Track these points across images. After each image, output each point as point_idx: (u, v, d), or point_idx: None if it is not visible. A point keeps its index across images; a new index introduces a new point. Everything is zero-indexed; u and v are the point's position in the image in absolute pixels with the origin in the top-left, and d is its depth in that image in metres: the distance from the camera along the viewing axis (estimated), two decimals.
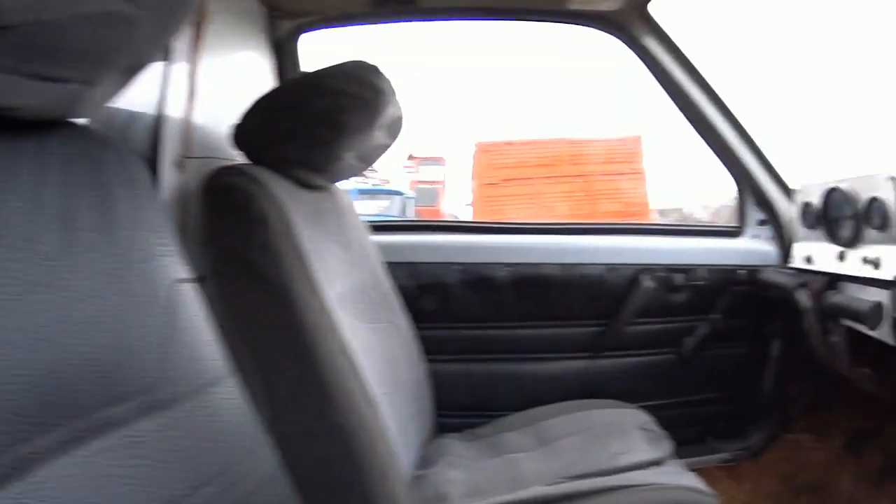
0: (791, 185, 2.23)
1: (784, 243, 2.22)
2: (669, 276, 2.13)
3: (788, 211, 2.20)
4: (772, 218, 2.28)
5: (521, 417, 1.81)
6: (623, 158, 11.36)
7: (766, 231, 2.29)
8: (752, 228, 2.33)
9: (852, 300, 1.77)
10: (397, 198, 11.46)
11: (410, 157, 13.54)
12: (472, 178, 12.10)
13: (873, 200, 1.79)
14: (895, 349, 1.63)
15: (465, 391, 2.06)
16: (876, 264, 1.76)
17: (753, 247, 2.28)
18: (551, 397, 1.90)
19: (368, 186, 11.26)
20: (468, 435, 1.81)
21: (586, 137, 11.73)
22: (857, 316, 1.72)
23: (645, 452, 1.58)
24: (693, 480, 1.47)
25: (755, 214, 2.31)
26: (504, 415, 1.86)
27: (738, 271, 2.19)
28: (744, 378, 2.28)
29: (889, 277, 1.70)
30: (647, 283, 2.10)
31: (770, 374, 2.24)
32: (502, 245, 2.13)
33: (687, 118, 2.18)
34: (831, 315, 1.85)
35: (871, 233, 1.81)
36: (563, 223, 2.77)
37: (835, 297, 1.83)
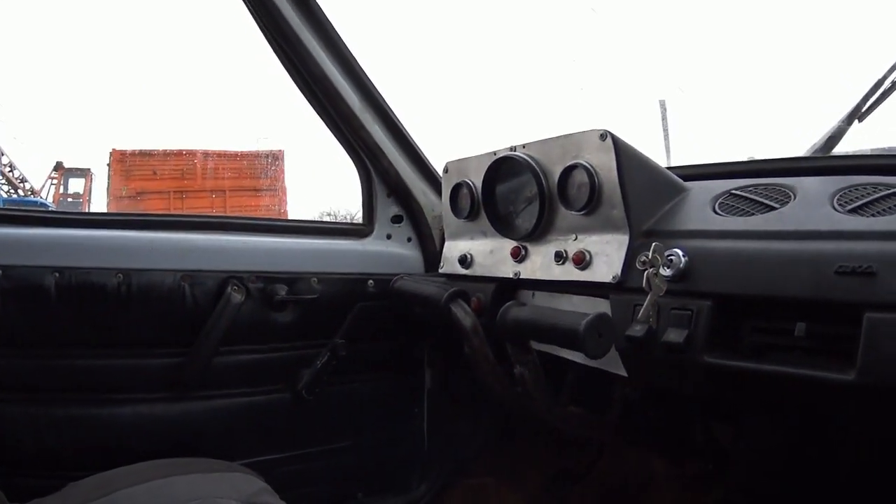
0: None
1: (430, 243, 1.83)
2: (269, 287, 1.67)
3: (435, 202, 1.83)
4: (409, 212, 1.86)
5: (93, 484, 1.37)
6: (263, 174, 11.53)
7: (404, 229, 1.87)
8: (384, 226, 1.86)
9: (545, 315, 1.22)
10: None
11: (57, 168, 13.51)
12: (108, 190, 11.57)
13: (572, 169, 1.26)
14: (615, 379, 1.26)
15: (31, 441, 1.56)
16: (580, 262, 1.21)
17: (385, 249, 1.85)
18: (136, 450, 1.50)
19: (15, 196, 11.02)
20: None
21: (228, 150, 11.99)
22: (555, 336, 1.18)
23: None
24: None
25: (389, 209, 1.87)
26: (77, 476, 1.39)
27: (368, 281, 1.77)
28: (394, 416, 1.91)
29: (606, 279, 1.19)
30: (237, 296, 1.61)
31: (423, 409, 1.92)
32: (41, 241, 1.58)
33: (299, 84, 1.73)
34: (511, 336, 1.31)
35: (567, 217, 1.30)
36: (121, 214, 1.87)
37: (513, 312, 1.27)
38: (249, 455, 1.65)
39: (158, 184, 11.08)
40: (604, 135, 1.21)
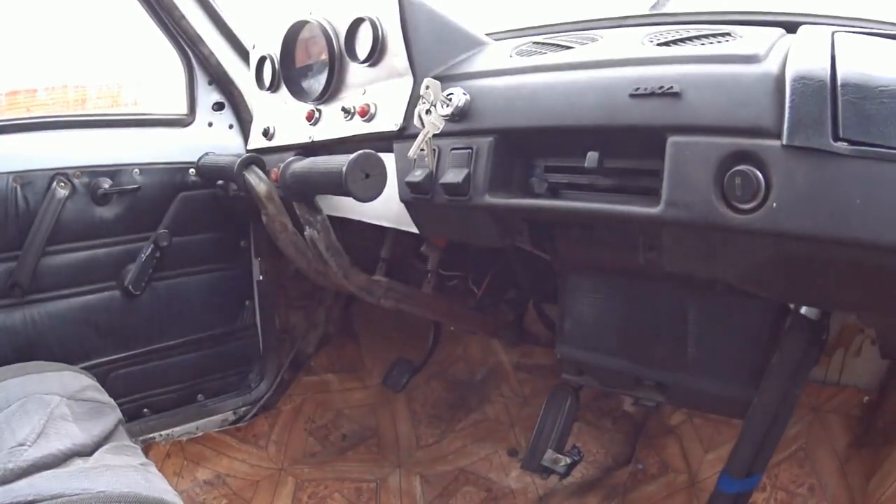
0: None
1: (249, 128, 1.76)
2: (93, 181, 1.63)
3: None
4: (230, 98, 1.81)
5: None
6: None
7: (226, 116, 1.83)
8: (205, 114, 1.81)
9: (317, 164, 1.17)
10: None
11: None
12: None
13: (357, 24, 1.24)
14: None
15: None
16: (365, 114, 1.19)
17: (207, 137, 1.79)
18: None
19: None
20: None
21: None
22: (325, 184, 1.13)
23: (67, 437, 1.19)
24: (134, 475, 1.10)
25: (210, 96, 1.81)
26: None
27: (189, 170, 1.73)
28: (225, 311, 1.87)
29: (391, 128, 1.18)
30: (61, 191, 1.58)
31: (254, 302, 1.87)
32: None
33: None
34: (292, 192, 1.26)
35: (355, 72, 1.27)
36: None
37: (292, 167, 1.22)
38: (87, 358, 1.63)
39: None
40: None
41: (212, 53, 1.71)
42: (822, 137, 0.72)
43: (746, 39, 0.90)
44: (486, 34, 1.32)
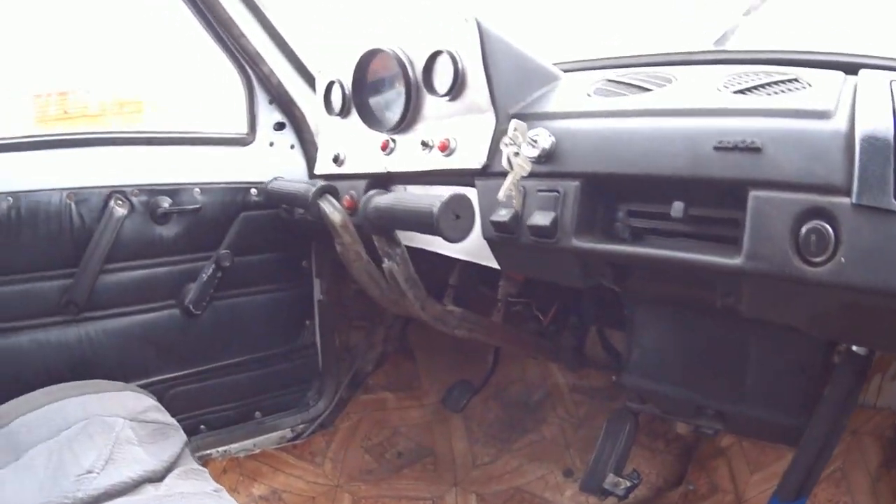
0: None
1: (313, 149, 1.75)
2: (152, 199, 1.62)
3: (316, 107, 1.72)
4: (291, 118, 1.79)
5: None
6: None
7: (287, 136, 1.81)
8: (266, 134, 1.79)
9: (403, 200, 1.17)
10: None
11: None
12: None
13: (437, 56, 1.22)
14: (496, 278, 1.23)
15: None
16: (445, 148, 1.19)
17: (268, 157, 1.78)
18: (37, 378, 1.47)
19: None
20: None
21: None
22: (412, 221, 1.12)
23: (136, 463, 1.20)
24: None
25: (271, 116, 1.80)
26: None
27: (250, 189, 1.72)
28: (285, 330, 1.87)
29: (472, 165, 1.17)
30: (120, 210, 1.57)
31: (314, 322, 1.88)
32: None
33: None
34: (374, 226, 1.25)
35: (433, 105, 1.26)
36: (6, 137, 1.77)
37: (374, 200, 1.21)
38: (145, 376, 1.63)
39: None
40: (467, 18, 1.16)
41: (272, 72, 1.70)
42: (885, 196, 0.76)
43: (815, 89, 0.94)
44: (554, 63, 1.31)
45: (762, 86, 0.99)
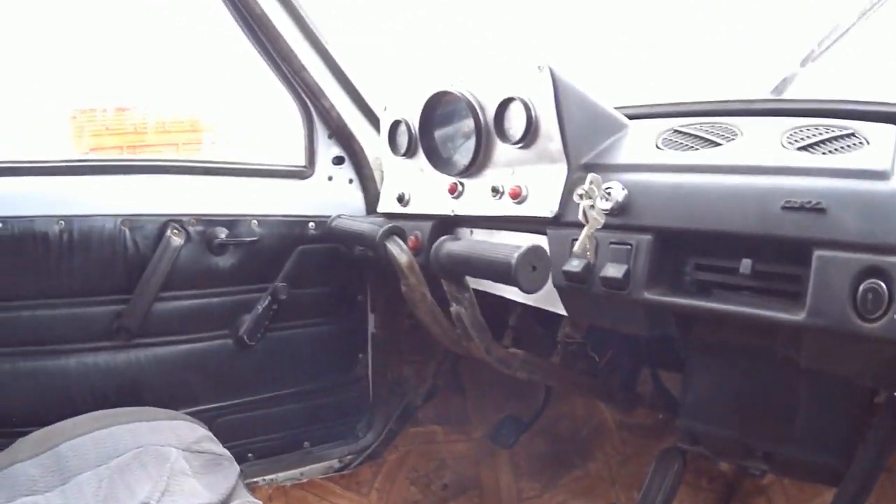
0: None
1: (372, 185, 1.79)
2: (209, 230, 1.63)
3: (376, 143, 1.76)
4: (350, 153, 1.81)
5: (39, 438, 1.35)
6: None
7: (346, 170, 1.83)
8: (325, 168, 1.81)
9: (478, 248, 1.17)
10: None
11: None
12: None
13: (509, 102, 1.23)
14: (555, 319, 1.23)
15: None
16: (517, 196, 1.20)
17: (326, 191, 1.81)
18: (83, 401, 1.51)
19: None
20: None
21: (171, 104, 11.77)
22: (488, 270, 1.14)
23: (193, 496, 1.17)
24: None
25: (330, 150, 1.81)
26: (26, 431, 1.37)
27: (308, 223, 1.74)
28: (338, 362, 1.89)
29: (543, 213, 1.18)
30: (176, 240, 1.59)
31: (367, 355, 1.89)
32: None
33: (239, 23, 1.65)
34: (445, 271, 1.27)
35: (504, 151, 1.27)
36: (62, 160, 1.80)
37: (447, 246, 1.23)
38: (194, 404, 1.64)
39: (112, 139, 11.15)
40: (541, 66, 1.18)
41: (333, 107, 1.71)
42: None
43: (873, 147, 0.99)
44: (616, 107, 1.33)
45: (823, 142, 1.03)
